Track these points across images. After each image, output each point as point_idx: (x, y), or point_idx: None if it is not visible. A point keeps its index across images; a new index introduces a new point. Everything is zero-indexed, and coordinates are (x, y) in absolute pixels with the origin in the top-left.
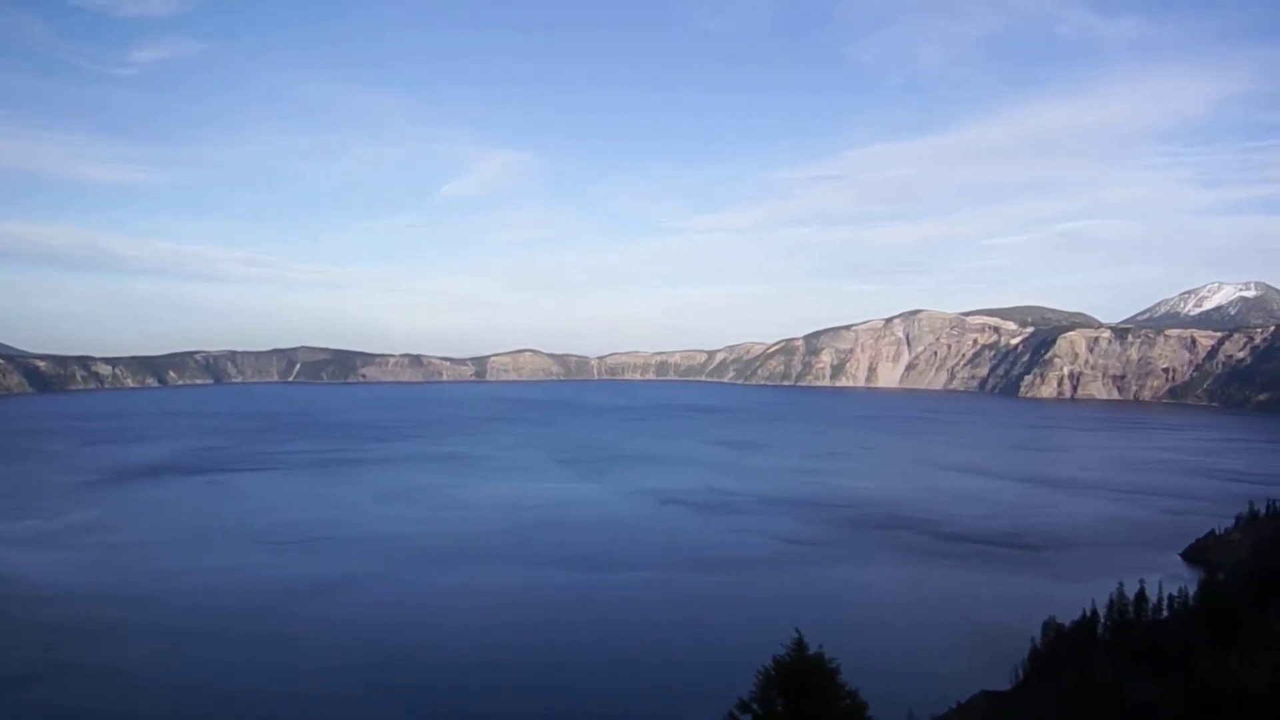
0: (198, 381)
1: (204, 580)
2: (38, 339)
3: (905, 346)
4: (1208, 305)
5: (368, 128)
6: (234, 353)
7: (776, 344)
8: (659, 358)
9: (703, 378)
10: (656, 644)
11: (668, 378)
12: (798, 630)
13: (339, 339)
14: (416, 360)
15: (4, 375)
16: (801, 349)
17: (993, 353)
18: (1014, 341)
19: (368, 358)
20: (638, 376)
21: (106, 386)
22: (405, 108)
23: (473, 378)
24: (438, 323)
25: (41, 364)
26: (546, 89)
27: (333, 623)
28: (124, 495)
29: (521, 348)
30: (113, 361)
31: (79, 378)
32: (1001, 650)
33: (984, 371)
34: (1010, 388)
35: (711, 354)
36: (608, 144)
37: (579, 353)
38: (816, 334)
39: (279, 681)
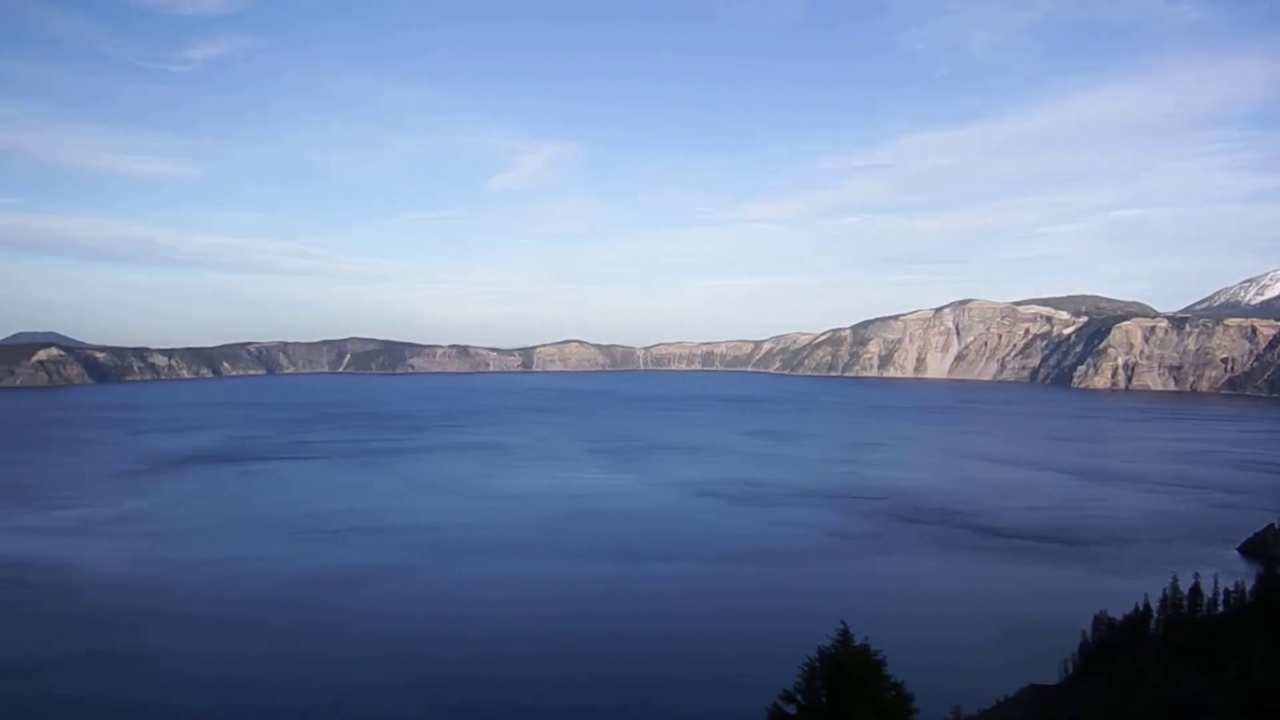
0: (250, 372)
1: (244, 569)
2: (97, 332)
3: (955, 336)
4: (1269, 294)
5: (416, 123)
6: (285, 344)
7: (823, 334)
8: (704, 348)
9: (748, 368)
10: (695, 635)
11: (713, 368)
12: (843, 622)
13: (388, 330)
14: (464, 351)
15: (64, 366)
16: (849, 339)
17: (1045, 343)
18: (1067, 331)
19: (416, 349)
20: (683, 367)
21: (163, 377)
22: (453, 103)
23: (519, 368)
24: (485, 314)
25: (100, 355)
26: (590, 82)
27: (368, 613)
28: (170, 484)
29: (567, 338)
30: (169, 353)
31: (136, 369)
32: (1049, 644)
33: (1035, 362)
34: (1062, 378)
35: (757, 344)
36: (652, 136)
37: (624, 343)
38: (864, 324)
39: (314, 671)
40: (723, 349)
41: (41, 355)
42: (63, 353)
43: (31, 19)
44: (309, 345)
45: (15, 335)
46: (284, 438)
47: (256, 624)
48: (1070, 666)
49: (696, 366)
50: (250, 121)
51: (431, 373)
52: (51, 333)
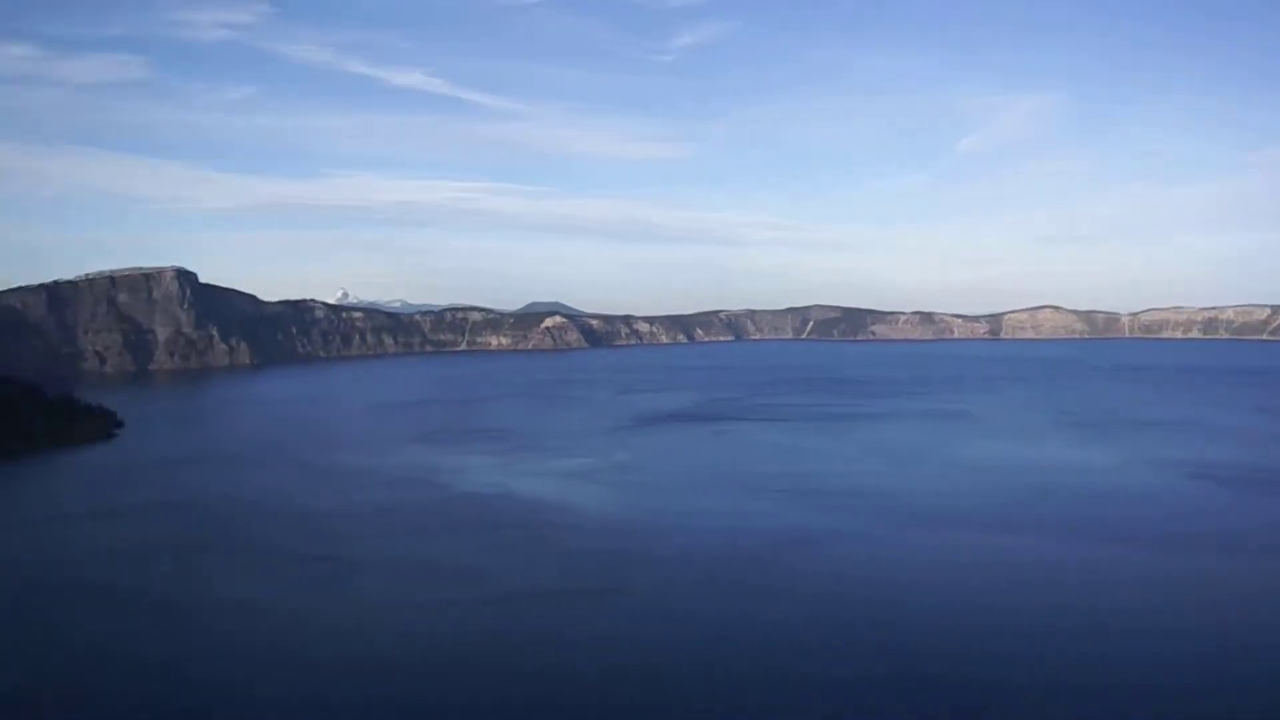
0: (720, 338)
1: (713, 522)
2: (592, 301)
3: None
4: None
5: (886, 88)
6: (753, 311)
7: None
8: (1206, 314)
9: (1263, 337)
10: (1182, 633)
11: (1216, 336)
12: None
13: (850, 297)
14: (927, 318)
15: (566, 332)
16: None
17: None
18: None
19: (878, 315)
20: (1178, 335)
21: (644, 342)
22: (923, 65)
23: (986, 335)
24: (950, 279)
25: (594, 323)
26: (1075, 29)
27: (815, 575)
28: (651, 439)
29: (1041, 304)
30: (650, 320)
31: (623, 334)
32: None
33: None
34: None
35: (1276, 309)
36: (1147, 79)
37: (1107, 309)
38: None
39: (764, 628)
40: (1229, 315)
41: (548, 323)
42: (565, 320)
43: (545, 23)
44: (774, 312)
45: (529, 305)
46: (750, 400)
47: (722, 576)
48: None
49: (1195, 335)
50: (730, 102)
51: (893, 340)
52: (556, 302)
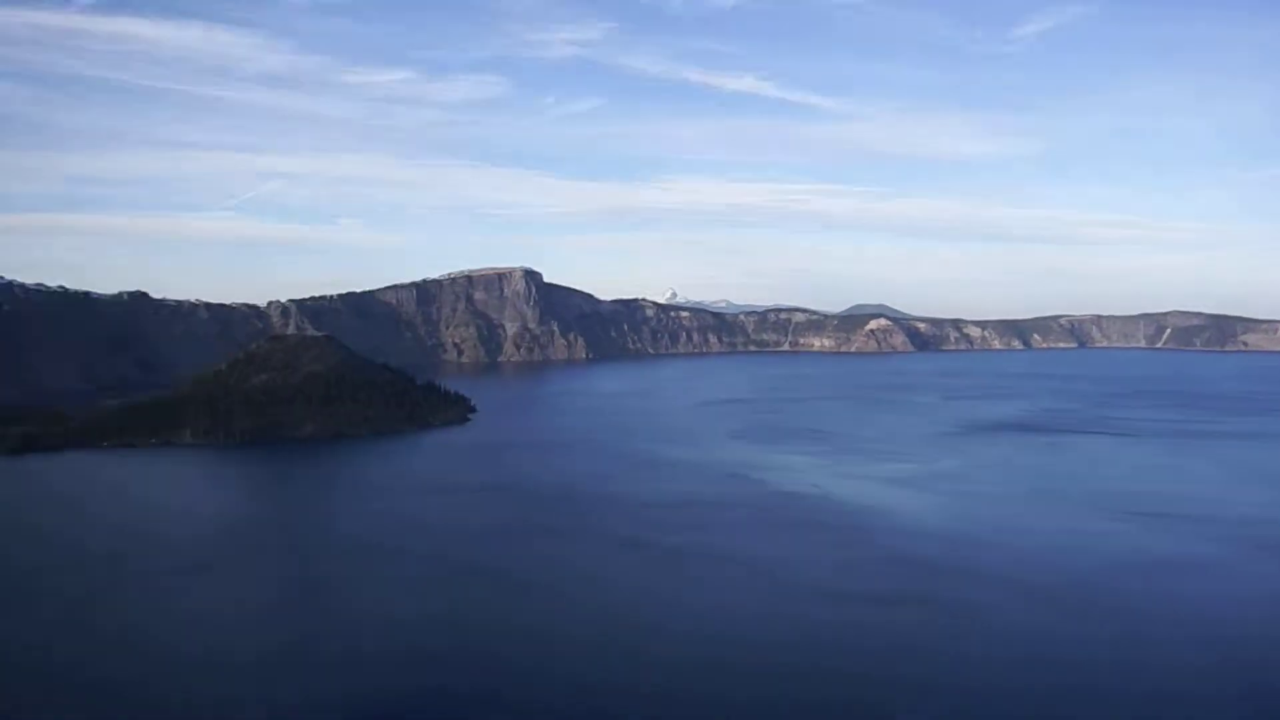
0: (1060, 345)
1: (1044, 539)
2: (920, 303)
3: None
4: None
5: (1270, 62)
6: (1099, 317)
7: None
8: None
9: None
10: None
11: None
12: None
13: (1216, 303)
14: None
15: (890, 335)
16: None
17: None
18: None
19: (1250, 323)
20: None
21: (975, 347)
22: None
23: None
24: None
25: (921, 326)
26: None
27: (1152, 607)
28: (978, 448)
29: None
30: (981, 324)
31: (951, 339)
32: None
33: None
34: None
35: None
36: None
37: None
38: None
39: (1090, 662)
40: None
41: (873, 325)
42: (890, 323)
43: (876, 20)
44: (1124, 319)
45: (853, 308)
46: (1091, 412)
47: (1048, 598)
48: None
49: None
50: (1082, 92)
51: (1270, 351)
52: (881, 305)
